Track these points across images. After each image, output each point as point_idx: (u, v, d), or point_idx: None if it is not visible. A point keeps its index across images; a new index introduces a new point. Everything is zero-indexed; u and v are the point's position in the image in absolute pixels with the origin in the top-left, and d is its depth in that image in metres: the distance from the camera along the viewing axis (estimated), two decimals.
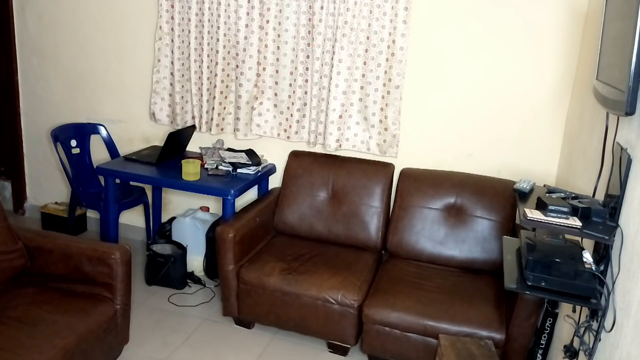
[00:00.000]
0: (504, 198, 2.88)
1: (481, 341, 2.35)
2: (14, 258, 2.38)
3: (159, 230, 3.62)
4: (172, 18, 3.35)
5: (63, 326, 2.13)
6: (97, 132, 3.72)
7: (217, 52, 3.28)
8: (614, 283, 1.63)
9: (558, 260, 1.69)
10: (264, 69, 3.26)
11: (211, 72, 3.35)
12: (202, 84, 3.37)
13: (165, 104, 3.54)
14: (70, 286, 2.40)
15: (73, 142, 3.59)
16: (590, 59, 2.43)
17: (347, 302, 2.63)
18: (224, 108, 3.40)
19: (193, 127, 3.46)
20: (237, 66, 3.31)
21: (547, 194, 1.85)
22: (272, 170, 3.39)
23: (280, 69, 3.23)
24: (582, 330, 1.80)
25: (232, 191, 2.95)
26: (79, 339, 2.14)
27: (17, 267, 2.40)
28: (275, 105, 3.32)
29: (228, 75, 3.35)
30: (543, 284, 1.69)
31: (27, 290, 2.35)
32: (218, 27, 3.24)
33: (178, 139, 3.36)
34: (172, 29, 3.37)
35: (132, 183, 3.63)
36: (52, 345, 2.03)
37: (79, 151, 3.62)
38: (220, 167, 3.21)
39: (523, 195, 1.90)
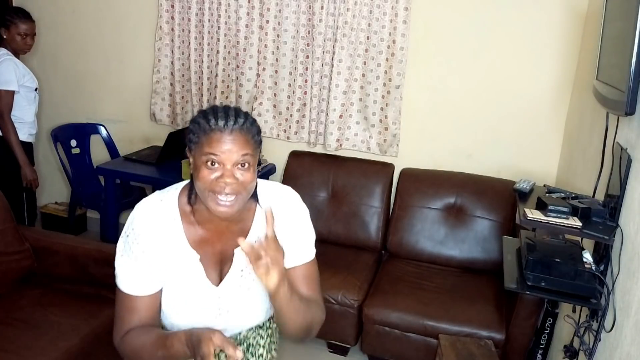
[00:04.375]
0: (504, 198, 2.88)
1: (481, 341, 2.35)
2: (21, 259, 2.37)
3: None
4: (172, 18, 3.35)
5: (68, 328, 2.12)
6: (97, 132, 3.72)
7: (218, 52, 3.28)
8: (614, 283, 1.63)
9: (558, 260, 1.69)
10: (264, 69, 3.26)
11: (211, 72, 3.35)
12: (202, 84, 3.36)
13: (165, 104, 3.54)
14: (76, 288, 2.39)
15: (73, 142, 3.59)
16: (590, 59, 2.43)
17: (347, 302, 2.63)
18: None
19: None
20: (237, 66, 3.31)
21: (547, 194, 1.85)
22: (272, 170, 3.39)
23: (280, 69, 3.23)
24: (582, 330, 1.80)
25: None
26: (83, 341, 2.12)
27: (24, 268, 2.39)
28: (274, 106, 3.32)
29: (229, 75, 3.34)
30: (543, 284, 1.68)
31: (33, 291, 2.34)
32: (218, 27, 3.24)
33: (178, 139, 3.35)
34: (172, 29, 3.37)
35: (132, 183, 3.63)
36: (55, 347, 2.01)
37: (79, 151, 3.62)
38: None
39: (523, 195, 1.90)
